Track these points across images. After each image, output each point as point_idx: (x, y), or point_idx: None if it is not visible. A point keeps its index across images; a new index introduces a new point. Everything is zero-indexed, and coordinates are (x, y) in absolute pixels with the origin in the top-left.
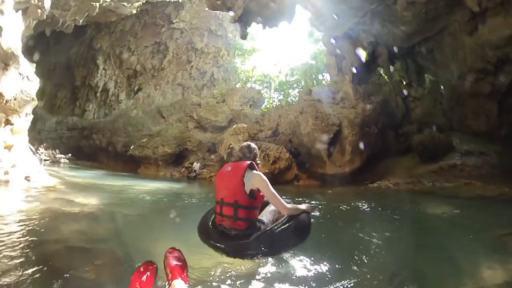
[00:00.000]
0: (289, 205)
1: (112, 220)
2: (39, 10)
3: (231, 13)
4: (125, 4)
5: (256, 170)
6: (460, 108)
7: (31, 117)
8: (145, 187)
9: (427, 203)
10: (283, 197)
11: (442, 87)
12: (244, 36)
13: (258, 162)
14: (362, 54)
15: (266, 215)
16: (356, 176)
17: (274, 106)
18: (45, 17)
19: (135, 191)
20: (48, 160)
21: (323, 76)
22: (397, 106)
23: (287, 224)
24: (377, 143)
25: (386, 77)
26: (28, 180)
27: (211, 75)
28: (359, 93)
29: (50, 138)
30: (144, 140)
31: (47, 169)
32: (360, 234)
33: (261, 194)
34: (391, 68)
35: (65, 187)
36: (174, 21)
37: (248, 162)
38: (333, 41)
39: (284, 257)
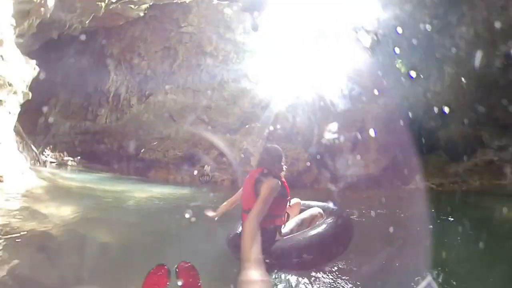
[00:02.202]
0: (251, 224)
1: (74, 252)
2: (42, 9)
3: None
4: (132, 6)
5: (274, 176)
6: (486, 99)
7: (13, 108)
8: (147, 192)
9: (493, 204)
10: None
11: (463, 79)
12: (255, 28)
13: (282, 165)
14: (379, 46)
15: (289, 224)
16: (383, 177)
17: (287, 107)
18: (48, 16)
19: (133, 199)
20: (54, 162)
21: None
22: (417, 101)
23: (311, 233)
24: (402, 141)
25: (403, 69)
26: (1, 181)
27: (221, 77)
28: (379, 87)
29: (64, 143)
30: (154, 143)
31: (48, 171)
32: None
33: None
34: (409, 60)
35: (44, 192)
36: (182, 25)
37: (261, 168)
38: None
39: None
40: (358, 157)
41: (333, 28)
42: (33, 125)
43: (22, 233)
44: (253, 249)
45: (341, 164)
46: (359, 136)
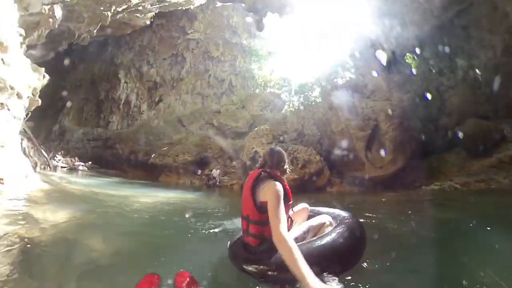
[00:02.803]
0: (290, 241)
1: (58, 258)
2: (50, 20)
3: (243, 5)
4: (138, 15)
5: (275, 178)
6: (506, 91)
7: (17, 112)
8: (153, 197)
9: None
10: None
11: (478, 71)
12: (260, 28)
13: (285, 167)
14: (388, 41)
15: (293, 231)
16: (400, 179)
17: (296, 109)
18: (57, 26)
19: (137, 203)
20: (66, 167)
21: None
22: (432, 97)
23: (317, 242)
24: (419, 139)
25: (415, 65)
26: (2, 183)
27: (229, 82)
28: (391, 84)
29: (77, 148)
30: (165, 148)
31: (57, 175)
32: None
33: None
34: (421, 55)
35: (44, 196)
36: (189, 32)
37: (261, 169)
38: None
39: None
40: (373, 157)
41: (347, 40)
42: (48, 132)
43: (10, 237)
44: (300, 264)
45: (355, 165)
46: (373, 135)
